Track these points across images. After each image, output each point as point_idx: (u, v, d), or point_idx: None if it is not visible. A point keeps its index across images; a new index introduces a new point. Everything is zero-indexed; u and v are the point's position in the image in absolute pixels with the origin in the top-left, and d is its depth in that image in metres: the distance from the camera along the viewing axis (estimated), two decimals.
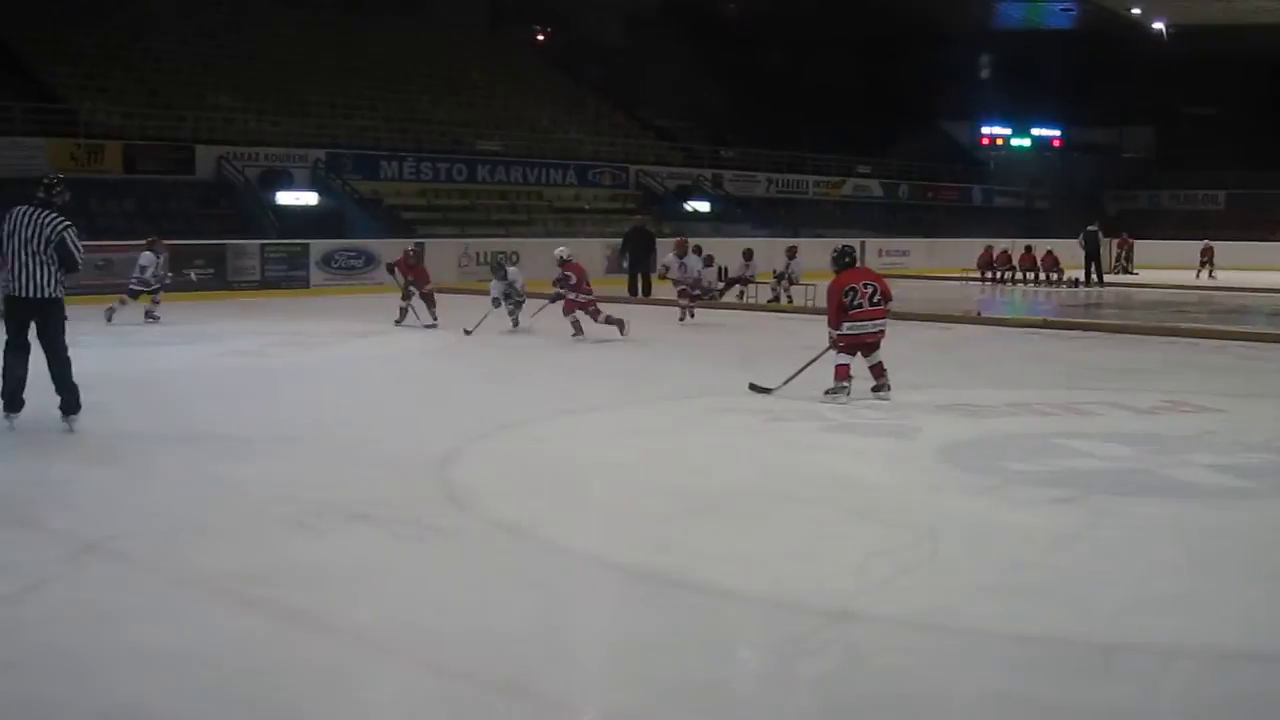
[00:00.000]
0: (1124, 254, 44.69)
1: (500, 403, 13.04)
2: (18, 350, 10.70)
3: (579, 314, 18.64)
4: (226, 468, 9.63)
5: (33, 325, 10.74)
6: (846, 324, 12.92)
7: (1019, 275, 39.38)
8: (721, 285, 27.00)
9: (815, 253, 33.15)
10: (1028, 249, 40.04)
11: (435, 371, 16.17)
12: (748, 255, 27.46)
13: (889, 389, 12.87)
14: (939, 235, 48.19)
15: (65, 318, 10.92)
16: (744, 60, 53.06)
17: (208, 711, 5.03)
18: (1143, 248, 46.10)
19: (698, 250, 27.04)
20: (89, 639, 5.77)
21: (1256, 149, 54.49)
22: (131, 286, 21.64)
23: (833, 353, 13.04)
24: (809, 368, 13.29)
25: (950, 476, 9.46)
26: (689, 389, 14.03)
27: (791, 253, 27.85)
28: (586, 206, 42.01)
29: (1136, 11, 57.70)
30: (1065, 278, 38.38)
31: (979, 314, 24.85)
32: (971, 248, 41.54)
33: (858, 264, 14.03)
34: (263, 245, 30.22)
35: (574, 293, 18.78)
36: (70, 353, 10.83)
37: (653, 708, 5.14)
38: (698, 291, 22.78)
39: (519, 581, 6.71)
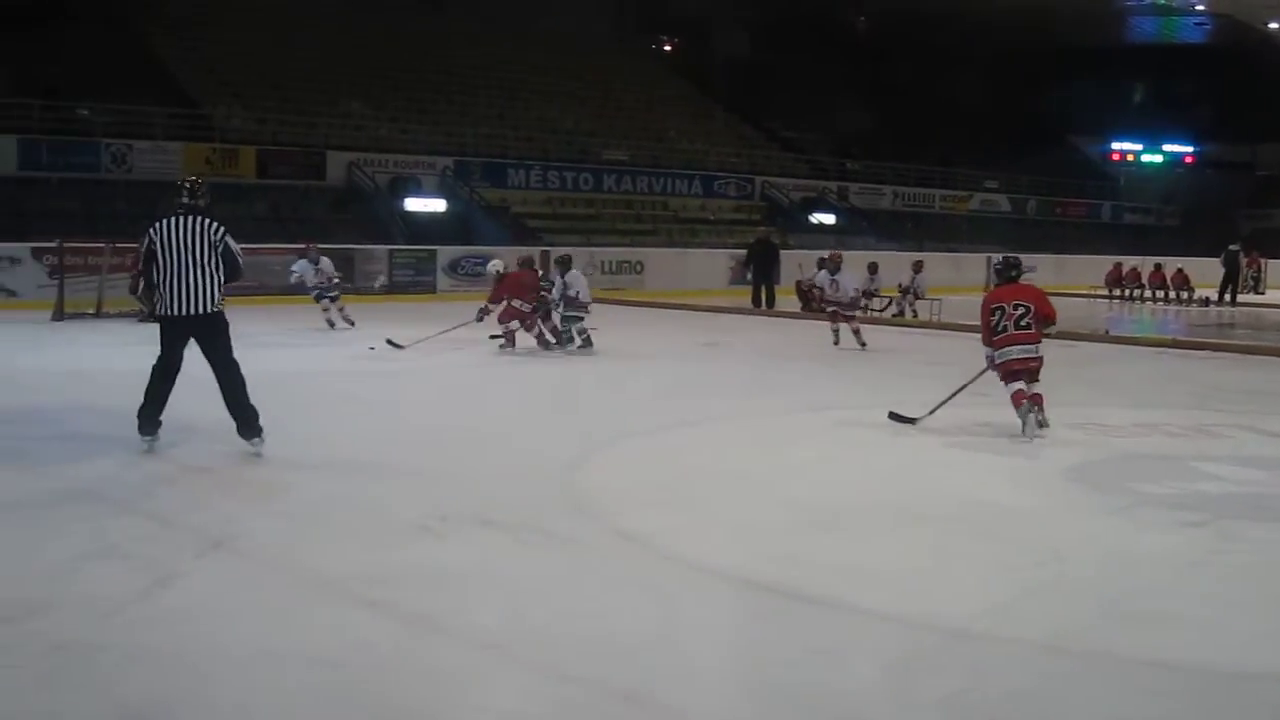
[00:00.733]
0: (1254, 273, 43.89)
1: (625, 411, 13.08)
2: (171, 373, 10.04)
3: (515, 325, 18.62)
4: (354, 469, 9.78)
5: (192, 343, 10.01)
6: (998, 350, 11.76)
7: (1148, 293, 38.83)
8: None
9: (940, 267, 33.07)
10: (1157, 267, 39.44)
11: (558, 378, 16.24)
12: (873, 269, 27.29)
13: (1043, 425, 11.51)
14: (1067, 251, 47.63)
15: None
16: (873, 73, 52.89)
17: (330, 712, 5.11)
18: (1274, 267, 45.27)
19: (821, 263, 27.00)
20: (214, 636, 5.87)
21: None
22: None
23: (993, 377, 11.93)
24: (958, 395, 12.28)
25: (1078, 497, 9.33)
26: (812, 401, 13.98)
27: (917, 267, 27.69)
28: (711, 217, 42.03)
29: (1275, 25, 56.67)
30: (1195, 296, 37.78)
31: (1107, 332, 24.47)
32: (1100, 265, 41.04)
33: (1020, 279, 12.42)
34: (391, 250, 30.63)
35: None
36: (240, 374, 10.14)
37: None
38: (852, 313, 20.63)
39: (641, 591, 6.71)
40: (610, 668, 5.55)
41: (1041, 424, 11.48)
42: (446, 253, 31.19)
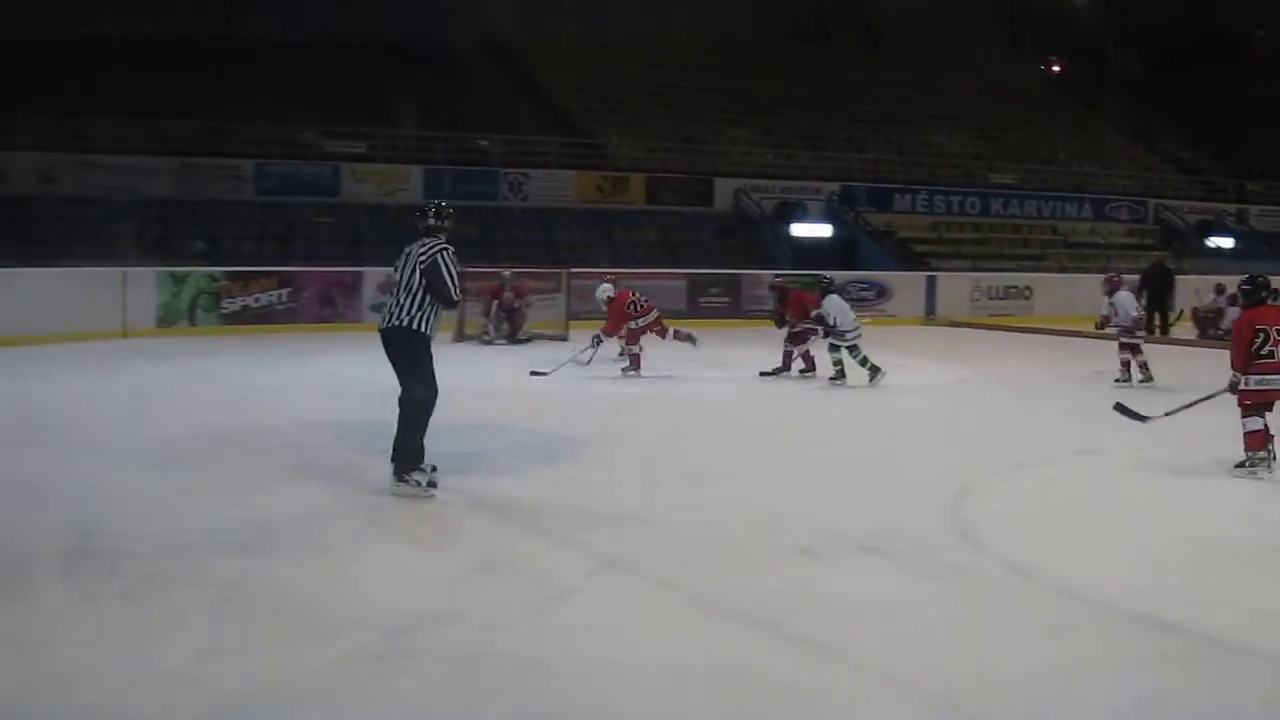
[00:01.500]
0: None
1: (1012, 439, 12.83)
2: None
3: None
4: (743, 491, 9.88)
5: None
6: (1254, 376, 10.74)
7: None
8: None
9: None
10: None
11: (948, 405, 16.06)
12: (1274, 295, 26.06)
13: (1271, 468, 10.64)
14: None
15: (426, 357, 9.86)
16: (1272, 88, 50.47)
17: None
18: None
19: (1220, 289, 26.02)
20: (607, 651, 6.02)
21: None
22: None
23: (1238, 410, 10.96)
24: (1202, 404, 12.00)
25: None
26: (1210, 434, 13.44)
27: None
28: (1102, 241, 40.85)
29: None
30: None
31: None
32: None
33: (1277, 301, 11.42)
34: (776, 275, 30.76)
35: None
36: (421, 409, 9.78)
37: None
38: (1133, 339, 18.88)
39: (1033, 623, 6.57)
40: (1001, 701, 5.46)
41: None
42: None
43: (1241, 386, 10.83)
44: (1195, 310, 26.89)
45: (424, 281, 9.45)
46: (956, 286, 32.80)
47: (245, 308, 24.67)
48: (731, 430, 13.53)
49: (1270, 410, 10.82)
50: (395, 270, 9.70)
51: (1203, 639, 6.33)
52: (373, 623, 6.23)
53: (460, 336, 23.28)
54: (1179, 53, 50.27)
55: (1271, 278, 26.36)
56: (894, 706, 5.44)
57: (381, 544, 7.97)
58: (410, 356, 9.67)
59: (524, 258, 27.46)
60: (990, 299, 32.94)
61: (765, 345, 21.38)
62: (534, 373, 17.49)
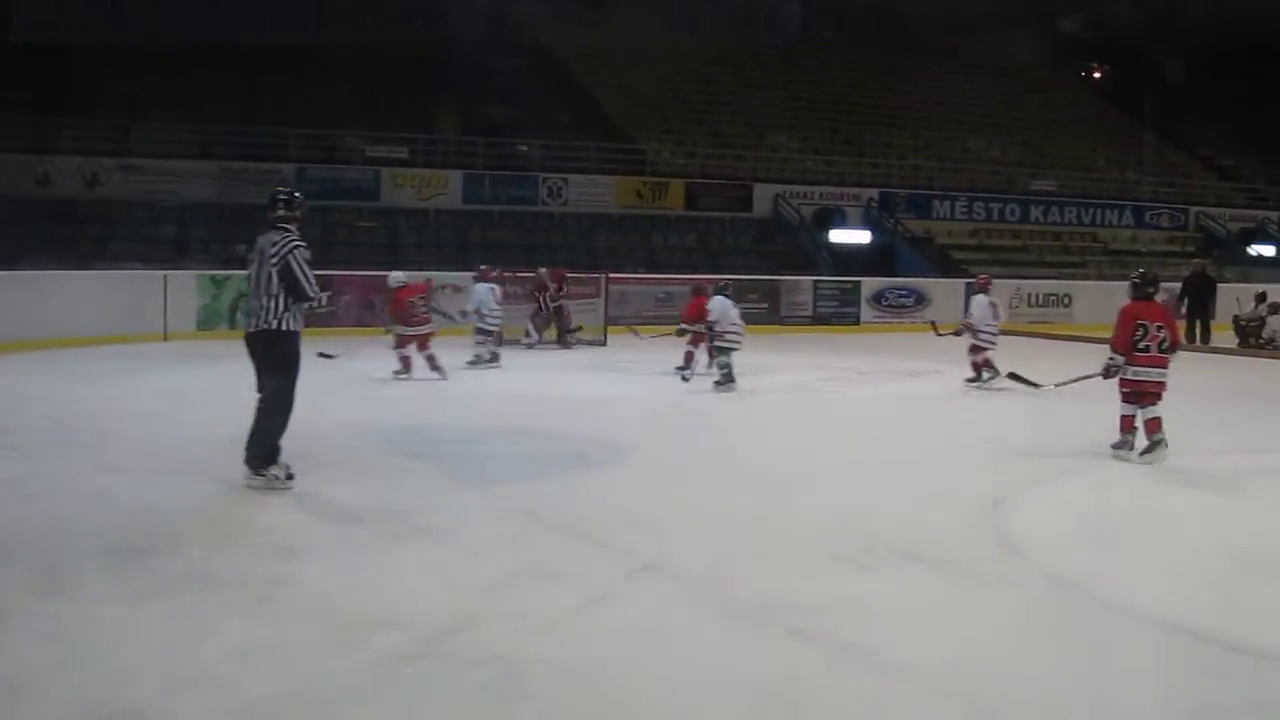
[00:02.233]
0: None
1: (1054, 447, 12.74)
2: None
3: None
4: (780, 497, 9.86)
5: None
6: (1131, 368, 11.69)
7: None
8: None
9: None
10: None
11: (986, 412, 16.01)
12: None
13: (1162, 448, 11.57)
14: None
15: (287, 358, 9.73)
16: None
17: None
18: None
19: (1262, 297, 25.89)
20: (644, 655, 6.02)
21: None
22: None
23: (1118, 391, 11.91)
24: (1088, 380, 12.93)
25: None
26: (1251, 443, 13.39)
27: None
28: (1143, 249, 40.66)
29: None
30: None
31: None
32: None
33: (1158, 299, 12.28)
34: (815, 282, 30.79)
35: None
36: (283, 410, 9.69)
37: None
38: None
39: (1071, 637, 6.53)
40: (1038, 710, 5.44)
41: (1154, 448, 11.59)
42: (871, 284, 31.17)
43: (1122, 375, 11.78)
44: (1236, 319, 26.72)
45: (282, 282, 9.47)
46: (996, 294, 32.62)
47: None
48: (767, 436, 13.54)
49: (1146, 402, 11.67)
50: (250, 266, 9.73)
51: (1244, 651, 6.27)
52: (409, 625, 6.26)
53: (500, 341, 23.31)
54: (1220, 59, 49.94)
55: None
56: (935, 715, 5.43)
57: (419, 547, 7.99)
58: (280, 357, 9.62)
59: (563, 263, 27.52)
60: (1030, 306, 32.85)
61: (805, 351, 21.42)
62: (321, 354, 16.99)
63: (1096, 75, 56.69)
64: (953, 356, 20.48)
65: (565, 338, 23.47)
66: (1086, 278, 35.99)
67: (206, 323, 24.02)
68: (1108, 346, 12.02)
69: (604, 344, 23.57)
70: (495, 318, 20.44)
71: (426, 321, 17.94)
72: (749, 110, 42.00)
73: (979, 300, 18.47)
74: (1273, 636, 6.46)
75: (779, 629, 6.45)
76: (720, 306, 17.36)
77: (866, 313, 30.68)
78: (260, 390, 9.66)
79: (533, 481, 10.36)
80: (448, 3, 39.13)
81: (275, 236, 9.59)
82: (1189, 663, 6.22)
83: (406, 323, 17.84)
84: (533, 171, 34.42)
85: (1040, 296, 33.47)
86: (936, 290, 31.80)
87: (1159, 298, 12.25)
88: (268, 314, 9.48)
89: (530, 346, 22.93)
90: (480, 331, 20.26)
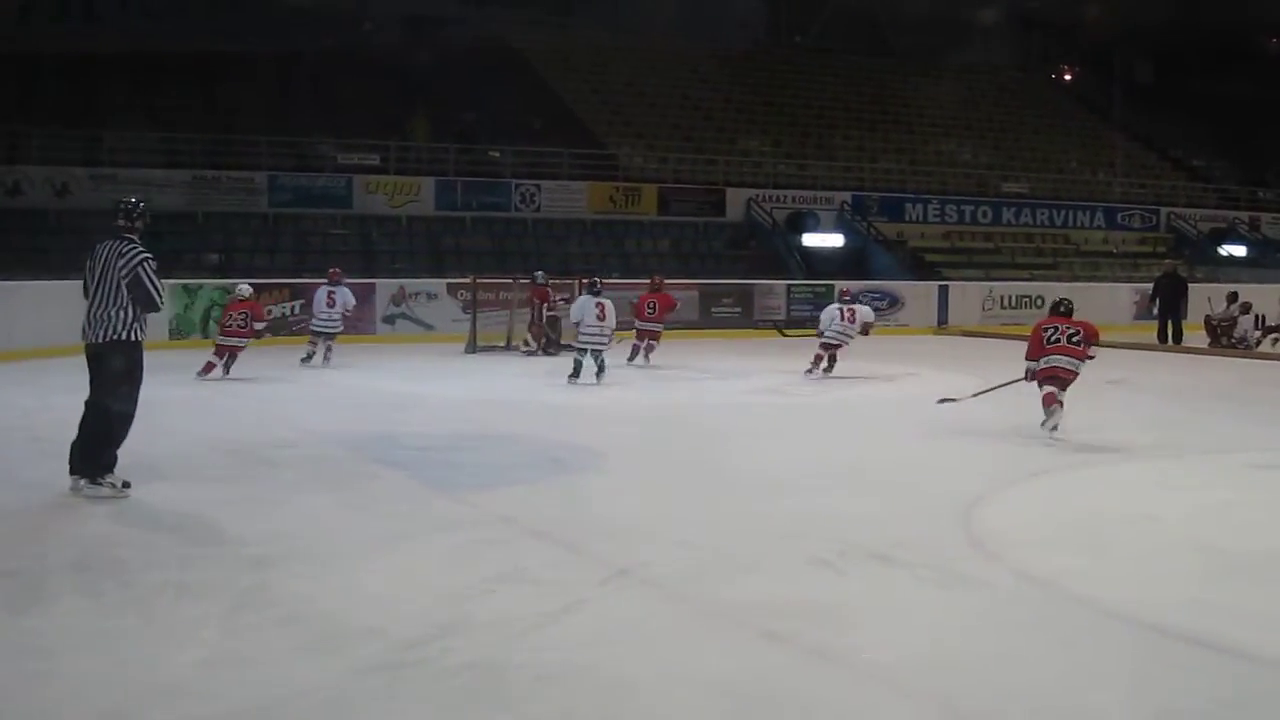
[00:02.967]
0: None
1: (1026, 449, 12.81)
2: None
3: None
4: (755, 500, 9.88)
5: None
6: (1043, 358, 13.48)
7: None
8: (1258, 334, 25.75)
9: None
10: None
11: (959, 415, 16.04)
12: None
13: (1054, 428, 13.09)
14: None
15: (135, 367, 9.67)
16: None
17: None
18: None
19: (1233, 297, 26.03)
20: (621, 661, 6.00)
21: None
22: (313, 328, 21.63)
23: (1036, 386, 13.59)
24: (1001, 389, 14.77)
25: None
26: (1222, 443, 13.44)
27: None
28: (1114, 250, 40.88)
29: None
30: None
31: None
32: None
33: (1071, 316, 13.97)
34: (789, 285, 30.84)
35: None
36: (123, 423, 9.60)
37: None
38: None
39: (1045, 636, 6.55)
40: (1010, 711, 5.46)
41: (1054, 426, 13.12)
42: (844, 287, 31.19)
43: (1033, 368, 13.68)
44: (1208, 319, 26.85)
45: (130, 293, 9.45)
46: (968, 296, 32.87)
47: None
48: (741, 440, 13.53)
49: (1058, 383, 13.29)
50: (88, 271, 9.62)
51: (1218, 649, 6.29)
52: (386, 633, 6.24)
53: (473, 348, 23.31)
54: (1191, 60, 50.20)
55: (1273, 285, 26.62)
56: (910, 716, 5.44)
57: (394, 555, 7.97)
58: (122, 368, 9.55)
59: (535, 269, 27.54)
60: (1002, 308, 33.01)
61: (778, 355, 21.47)
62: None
63: (1067, 78, 56.89)
64: (927, 360, 20.60)
65: (551, 346, 23.36)
66: (1059, 279, 36.12)
67: (179, 331, 24.01)
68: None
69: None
70: (323, 320, 21.23)
71: (240, 335, 18.62)
72: (721, 115, 42.08)
73: (828, 309, 20.23)
74: (1248, 636, 6.47)
75: (754, 632, 6.46)
76: (579, 306, 18.54)
77: None
78: (100, 399, 9.55)
79: (508, 487, 10.35)
80: (419, 8, 39.14)
81: (122, 247, 9.57)
82: (1161, 661, 6.23)
83: (220, 331, 18.83)
84: (505, 178, 34.40)
85: (1013, 298, 33.61)
86: (910, 293, 31.89)
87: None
88: (118, 324, 9.44)
89: (530, 354, 22.89)
90: (312, 332, 21.22)
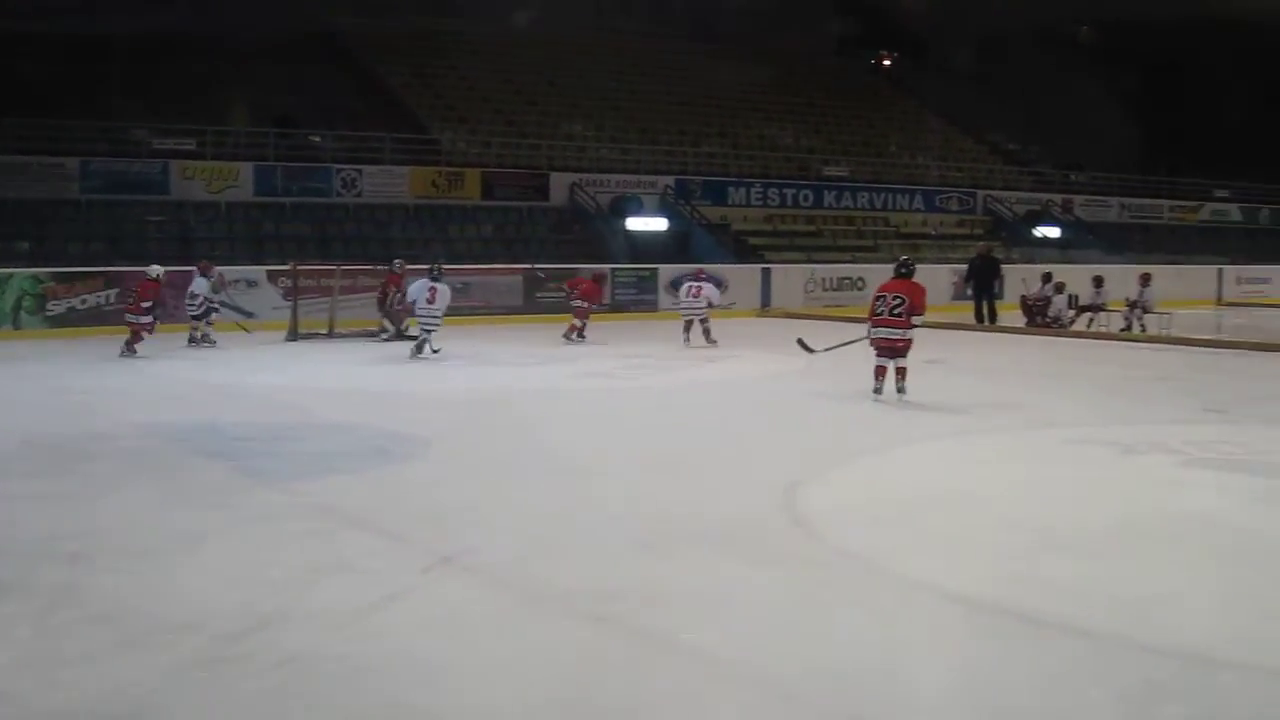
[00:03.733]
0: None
1: (848, 429, 13.00)
2: None
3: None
4: (579, 486, 9.90)
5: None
6: (873, 330, 14.71)
7: None
8: (1072, 313, 26.37)
9: (1170, 280, 32.12)
10: None
11: (782, 396, 16.21)
12: (1098, 282, 26.77)
13: (901, 393, 14.57)
14: None
15: None
16: (1096, 81, 51.58)
17: None
18: None
19: (1047, 277, 26.66)
20: (443, 649, 6.00)
21: None
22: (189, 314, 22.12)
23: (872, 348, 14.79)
24: (849, 345, 16.35)
25: None
26: (1037, 419, 13.74)
27: (1145, 280, 26.90)
28: (933, 232, 41.57)
29: None
30: None
31: None
32: None
33: (912, 278, 15.10)
34: (613, 269, 30.84)
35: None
36: None
37: None
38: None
39: (865, 612, 6.66)
40: (833, 689, 5.53)
41: (901, 390, 14.57)
42: (668, 271, 31.31)
43: (869, 333, 14.85)
44: (1023, 299, 27.42)
45: None
46: (791, 278, 33.17)
47: (72, 309, 24.19)
48: (564, 425, 13.54)
49: (888, 355, 14.61)
50: None
51: (1035, 622, 6.45)
52: (204, 628, 6.15)
53: (294, 335, 22.99)
54: (1007, 46, 51.19)
55: (1097, 265, 27.73)
56: (732, 696, 5.49)
57: (213, 548, 7.84)
58: None
59: (357, 255, 27.26)
60: (824, 290, 33.38)
61: (603, 339, 21.49)
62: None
63: (887, 63, 57.67)
64: (751, 342, 20.77)
65: (399, 330, 23.06)
66: (879, 261, 36.61)
67: None
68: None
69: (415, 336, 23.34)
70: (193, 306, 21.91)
71: (139, 313, 20.22)
72: (544, 99, 41.92)
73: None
74: (1064, 608, 6.63)
75: (579, 617, 6.48)
76: (415, 288, 20.37)
77: (665, 300, 30.77)
78: None
79: (330, 477, 10.24)
80: None
81: None
82: (978, 634, 6.37)
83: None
84: (326, 163, 33.91)
85: (834, 280, 33.99)
86: (733, 276, 32.07)
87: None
88: None
89: (387, 340, 22.61)
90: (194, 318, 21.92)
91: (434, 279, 20.12)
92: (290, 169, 32.89)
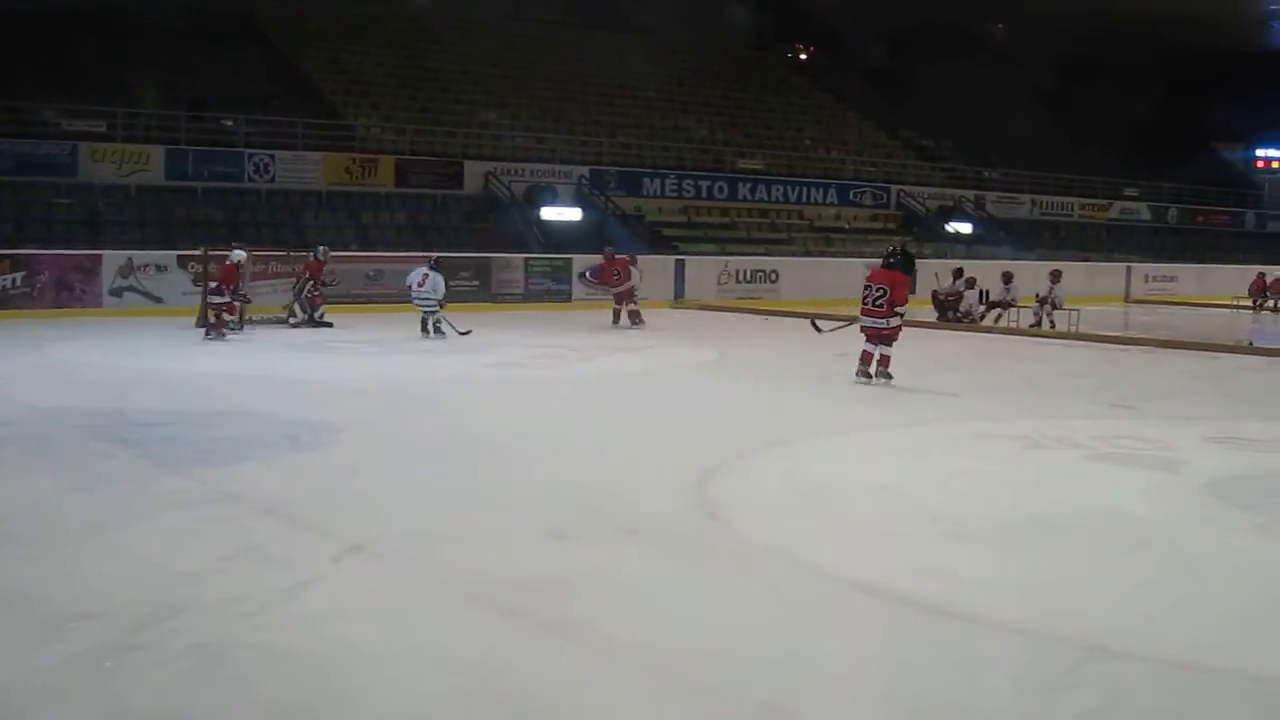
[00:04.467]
0: None
1: (761, 420, 13.07)
2: None
3: None
4: (491, 476, 9.88)
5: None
6: (860, 318, 15.72)
7: None
8: (982, 308, 26.63)
9: (1079, 277, 32.54)
10: None
11: (698, 387, 16.26)
12: (1007, 278, 27.05)
13: (870, 379, 15.54)
14: (1209, 261, 46.83)
15: None
16: (1009, 80, 52.06)
17: (462, 714, 5.19)
18: None
19: (959, 273, 26.88)
20: (353, 638, 5.96)
21: None
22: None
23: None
24: (849, 326, 16.76)
25: (1218, 511, 9.18)
26: (950, 413, 13.88)
27: (1055, 276, 27.20)
28: (847, 226, 41.79)
29: None
30: None
31: (1251, 344, 23.93)
32: (1244, 275, 40.13)
33: (902, 268, 16.18)
34: (526, 259, 30.81)
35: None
36: None
37: None
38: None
39: (777, 603, 6.70)
40: (745, 680, 5.55)
41: (886, 376, 15.50)
42: (582, 261, 31.29)
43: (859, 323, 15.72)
44: (935, 293, 27.65)
45: None
46: (704, 270, 33.25)
47: None
48: (480, 414, 13.52)
49: (876, 341, 15.56)
50: None
51: (941, 612, 6.52)
52: (109, 616, 6.08)
53: (204, 321, 22.76)
54: (921, 42, 51.51)
55: (1008, 261, 28.30)
56: (641, 687, 5.50)
57: (119, 535, 7.75)
58: None
59: (269, 240, 27.02)
60: (738, 282, 33.50)
61: (517, 329, 21.46)
62: None
63: (803, 57, 57.89)
64: (664, 333, 20.82)
65: (312, 317, 22.87)
66: (793, 254, 36.83)
67: None
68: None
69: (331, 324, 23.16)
70: None
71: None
72: (459, 87, 41.72)
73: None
74: (970, 599, 6.70)
75: (491, 607, 6.47)
76: (411, 276, 21.69)
77: (579, 290, 30.77)
78: None
79: (239, 464, 10.17)
80: None
81: None
82: (889, 625, 6.43)
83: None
84: (239, 147, 33.56)
85: (748, 272, 34.12)
86: (647, 266, 32.04)
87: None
88: None
89: (296, 325, 22.43)
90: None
91: (431, 268, 21.60)
92: (202, 153, 32.49)
